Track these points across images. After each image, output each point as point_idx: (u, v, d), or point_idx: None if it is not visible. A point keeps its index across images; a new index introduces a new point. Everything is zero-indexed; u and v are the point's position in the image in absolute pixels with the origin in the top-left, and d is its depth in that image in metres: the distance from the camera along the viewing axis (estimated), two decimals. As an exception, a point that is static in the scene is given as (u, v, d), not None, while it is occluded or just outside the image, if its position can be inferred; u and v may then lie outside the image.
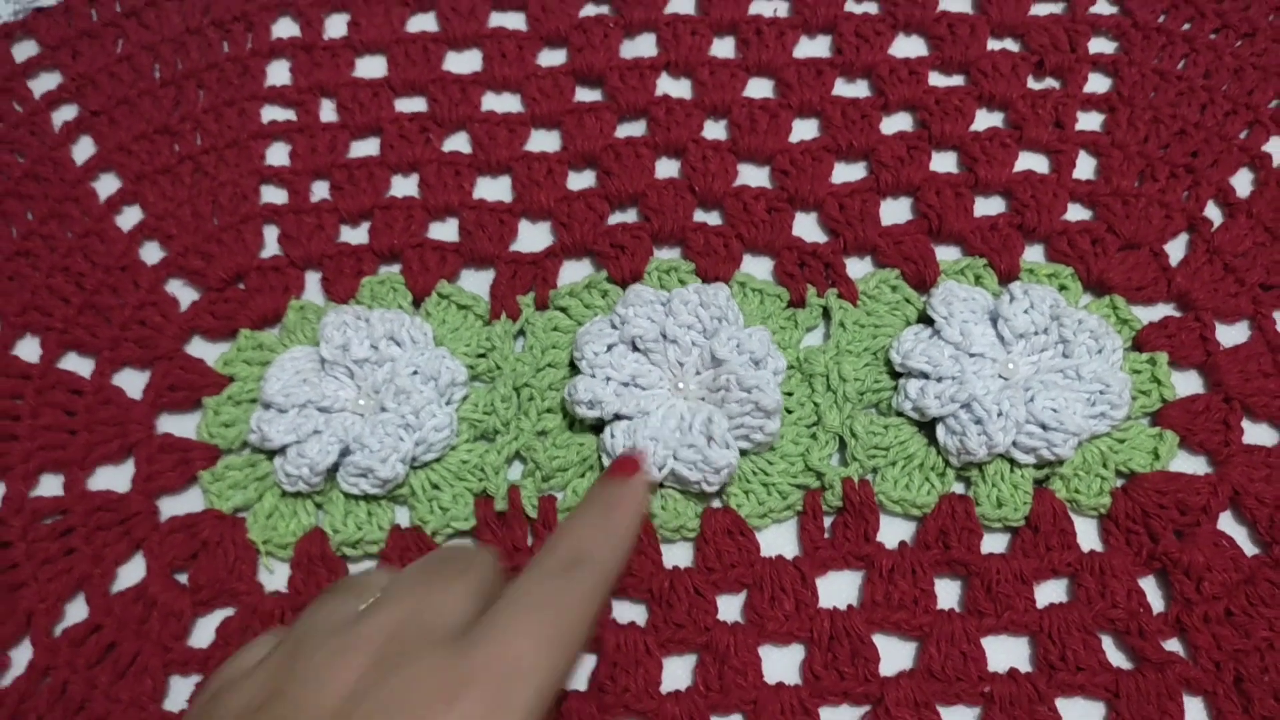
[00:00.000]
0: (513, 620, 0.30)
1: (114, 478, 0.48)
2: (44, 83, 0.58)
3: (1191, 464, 0.46)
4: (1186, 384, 0.48)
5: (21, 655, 0.44)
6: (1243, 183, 0.52)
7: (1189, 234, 0.51)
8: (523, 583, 0.32)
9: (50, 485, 0.47)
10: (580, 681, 0.42)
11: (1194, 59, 0.56)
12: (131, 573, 0.46)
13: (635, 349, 0.47)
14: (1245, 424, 0.46)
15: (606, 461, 0.45)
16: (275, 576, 0.46)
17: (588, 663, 0.43)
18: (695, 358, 0.47)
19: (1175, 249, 0.51)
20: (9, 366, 0.50)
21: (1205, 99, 0.54)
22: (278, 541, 0.46)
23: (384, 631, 0.30)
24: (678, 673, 0.43)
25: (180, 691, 0.43)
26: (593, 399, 0.45)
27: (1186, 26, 0.57)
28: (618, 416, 0.45)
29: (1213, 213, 0.52)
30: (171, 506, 0.47)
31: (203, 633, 0.44)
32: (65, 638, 0.44)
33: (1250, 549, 0.44)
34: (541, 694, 0.29)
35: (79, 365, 0.50)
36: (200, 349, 0.51)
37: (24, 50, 0.59)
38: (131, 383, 0.50)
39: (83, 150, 0.56)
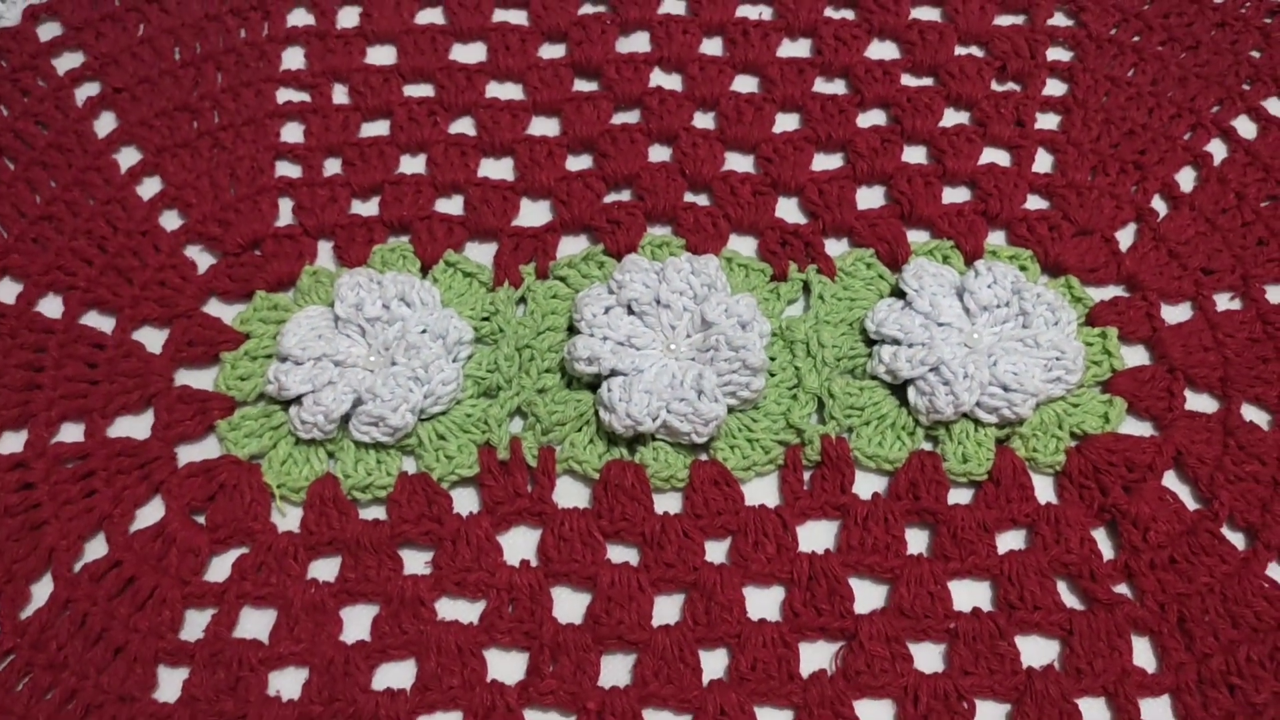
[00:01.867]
0: None
1: (134, 426, 0.50)
2: (67, 61, 0.61)
3: (1139, 428, 0.50)
4: (1134, 356, 0.52)
5: (42, 590, 0.46)
6: (1186, 179, 0.57)
7: (1137, 223, 0.56)
8: None
9: (73, 433, 0.50)
10: (576, 615, 0.45)
11: (1143, 68, 0.60)
12: (151, 514, 0.48)
13: (631, 311, 0.50)
14: (1187, 393, 0.50)
15: (603, 414, 0.48)
16: (288, 519, 0.48)
17: (584, 598, 0.46)
18: (686, 322, 0.50)
19: (1125, 236, 0.55)
20: (33, 321, 0.52)
21: (1152, 103, 0.59)
22: (291, 486, 0.48)
23: None
24: (667, 609, 0.45)
25: (196, 623, 0.45)
26: (591, 355, 0.48)
27: (1136, 39, 0.62)
28: (614, 373, 0.48)
29: (1158, 205, 0.56)
30: (189, 454, 0.49)
31: (219, 569, 0.47)
32: (85, 573, 0.46)
33: (1192, 504, 0.47)
34: None
35: (101, 323, 0.53)
36: (217, 309, 0.53)
37: (49, 31, 0.62)
38: (152, 339, 0.52)
39: (105, 125, 0.59)
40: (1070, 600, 0.45)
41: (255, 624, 0.45)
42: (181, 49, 0.61)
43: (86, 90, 0.60)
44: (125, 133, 0.58)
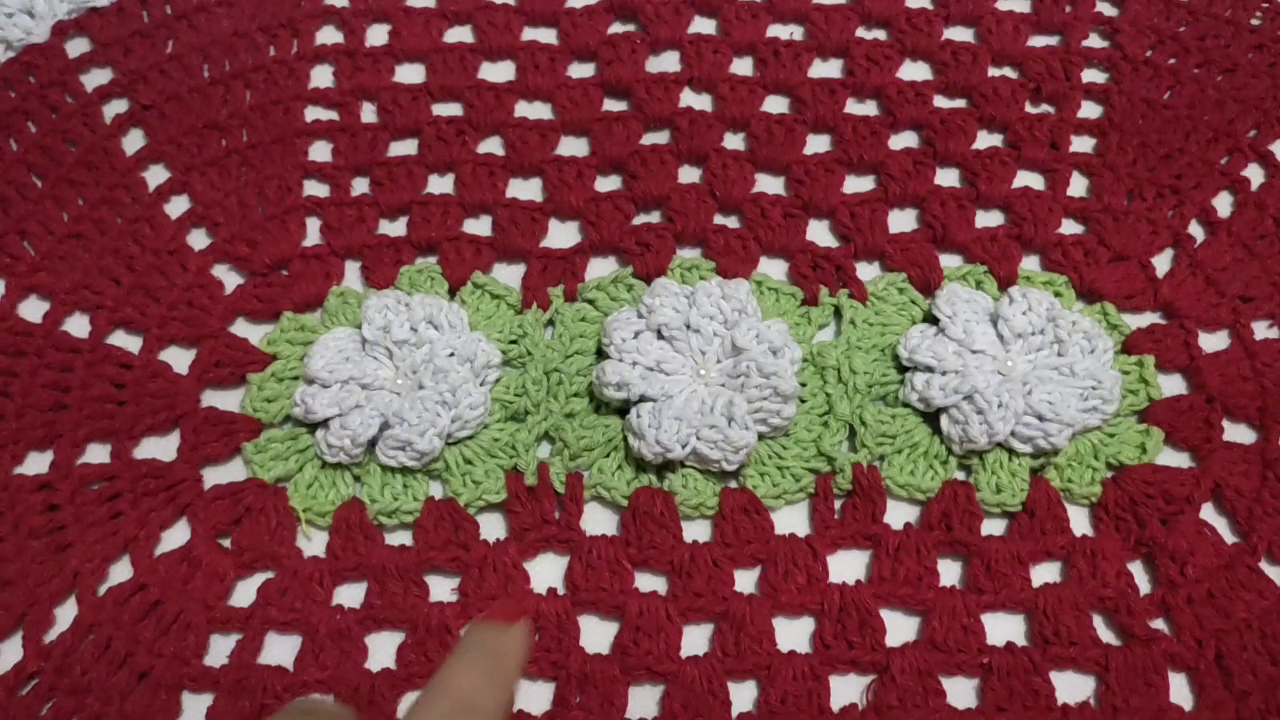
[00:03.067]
0: None
1: (160, 448, 0.50)
2: (95, 78, 0.61)
3: (1176, 458, 0.49)
4: (1171, 385, 0.51)
5: (66, 613, 0.45)
6: (1223, 204, 0.56)
7: (1174, 249, 0.55)
8: None
9: (98, 454, 0.49)
10: (603, 645, 0.45)
11: (1179, 90, 0.59)
12: (176, 537, 0.47)
13: (660, 336, 0.50)
14: (1225, 423, 0.49)
15: (631, 441, 0.48)
16: (313, 544, 0.47)
17: (611, 627, 0.45)
18: (716, 347, 0.49)
19: (1161, 262, 0.54)
20: (59, 341, 0.52)
21: (1189, 127, 0.58)
22: (317, 510, 0.48)
23: None
24: (696, 639, 0.45)
25: (221, 648, 0.45)
26: (620, 381, 0.48)
27: (1172, 61, 0.61)
28: (643, 399, 0.48)
29: (1195, 230, 0.55)
30: (215, 476, 0.49)
31: (244, 593, 0.46)
32: (110, 596, 0.45)
33: (1230, 537, 0.46)
34: None
35: (128, 342, 0.52)
36: (244, 330, 0.53)
37: (77, 47, 0.62)
38: (178, 360, 0.52)
39: (133, 142, 0.59)
40: (1106, 635, 0.44)
41: (280, 650, 0.45)
42: (210, 66, 0.61)
43: (115, 107, 0.60)
44: (153, 150, 0.58)
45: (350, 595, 0.46)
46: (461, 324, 0.51)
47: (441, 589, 0.46)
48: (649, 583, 0.46)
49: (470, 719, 0.31)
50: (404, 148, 0.59)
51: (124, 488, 0.48)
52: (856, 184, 0.58)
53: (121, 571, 0.46)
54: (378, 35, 0.63)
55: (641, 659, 0.43)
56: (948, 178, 0.58)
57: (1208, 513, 0.47)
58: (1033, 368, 0.49)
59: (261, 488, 0.48)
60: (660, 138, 0.59)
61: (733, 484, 0.48)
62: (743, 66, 0.62)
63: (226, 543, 0.47)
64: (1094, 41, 0.62)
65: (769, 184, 0.58)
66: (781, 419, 0.47)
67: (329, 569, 0.46)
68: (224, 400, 0.51)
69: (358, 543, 0.47)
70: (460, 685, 0.32)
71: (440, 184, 0.58)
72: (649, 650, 0.44)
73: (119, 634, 0.44)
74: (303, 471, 0.49)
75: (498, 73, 0.62)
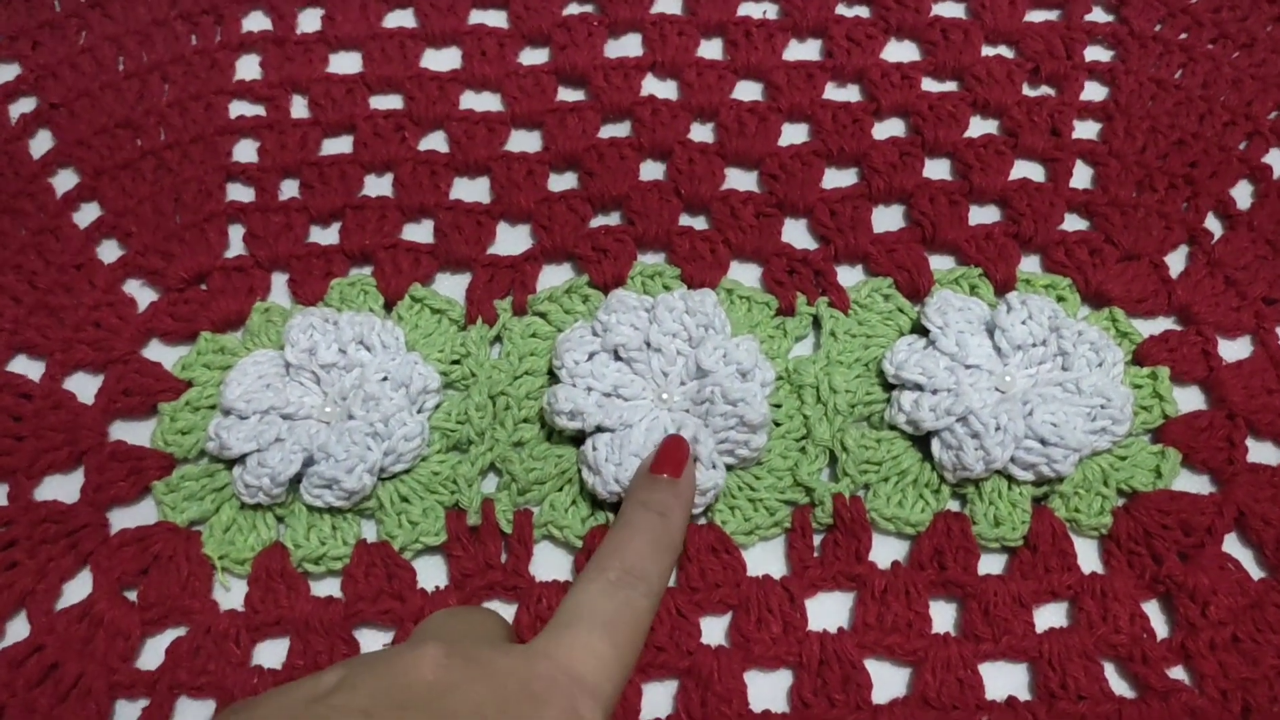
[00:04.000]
0: (580, 635, 0.31)
1: (62, 487, 0.45)
2: (1, 73, 0.56)
3: (1195, 483, 0.45)
4: (1188, 400, 0.47)
5: (-43, 676, 0.41)
6: (1243, 194, 0.52)
7: (1189, 246, 0.50)
8: (584, 598, 0.32)
9: (-7, 495, 0.45)
10: (555, 707, 0.40)
11: (1191, 68, 0.55)
12: (78, 589, 0.43)
13: (618, 358, 0.45)
14: (1250, 442, 0.45)
15: (586, 475, 0.43)
16: (231, 594, 0.43)
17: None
18: (680, 367, 0.45)
19: (1175, 261, 0.50)
20: (-47, 369, 0.47)
21: (1203, 109, 0.53)
22: (235, 556, 0.43)
23: (446, 637, 0.31)
24: (658, 699, 0.41)
25: (126, 715, 0.41)
26: (574, 409, 0.43)
27: (1184, 36, 0.56)
28: (599, 429, 0.43)
29: (1213, 224, 0.51)
30: (122, 519, 0.45)
31: (152, 654, 0.42)
32: (4, 658, 0.41)
33: (1257, 572, 0.43)
34: (607, 709, 0.30)
35: (28, 368, 0.48)
36: (158, 352, 0.49)
37: (-20, 41, 0.57)
38: (84, 387, 0.47)
39: (40, 144, 0.54)
40: (1119, 687, 0.41)
41: (192, 717, 0.41)
42: (126, 59, 0.56)
43: (21, 106, 0.55)
44: (61, 153, 0.53)
45: (271, 654, 0.42)
46: (396, 344, 0.46)
47: (373, 645, 0.42)
48: (605, 635, 0.42)
49: (637, 587, 0.33)
50: (337, 145, 0.54)
51: (20, 534, 0.44)
52: (837, 178, 0.53)
53: (17, 630, 0.42)
54: (310, 21, 0.58)
55: (597, 724, 0.39)
56: (937, 170, 0.53)
57: (1231, 544, 0.44)
58: (1034, 384, 0.45)
59: (173, 532, 0.44)
60: (620, 130, 0.54)
61: (700, 520, 0.44)
62: (711, 50, 0.57)
63: (133, 596, 0.43)
64: (1098, 15, 0.58)
65: (740, 180, 0.53)
66: (750, 450, 0.43)
67: (247, 624, 0.42)
68: (133, 433, 0.46)
69: (280, 594, 0.43)
70: (625, 554, 0.34)
71: (377, 185, 0.53)
72: None
73: (13, 701, 0.40)
74: (219, 513, 0.44)
75: (441, 61, 0.57)
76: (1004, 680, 0.41)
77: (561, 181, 0.53)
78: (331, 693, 0.28)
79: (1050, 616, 0.42)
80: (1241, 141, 0.53)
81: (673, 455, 0.40)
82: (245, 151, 0.54)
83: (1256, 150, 0.52)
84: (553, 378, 0.46)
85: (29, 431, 0.46)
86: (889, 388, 0.46)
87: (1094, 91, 0.55)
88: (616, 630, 0.31)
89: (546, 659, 0.30)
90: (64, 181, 0.53)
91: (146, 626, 0.42)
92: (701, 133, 0.54)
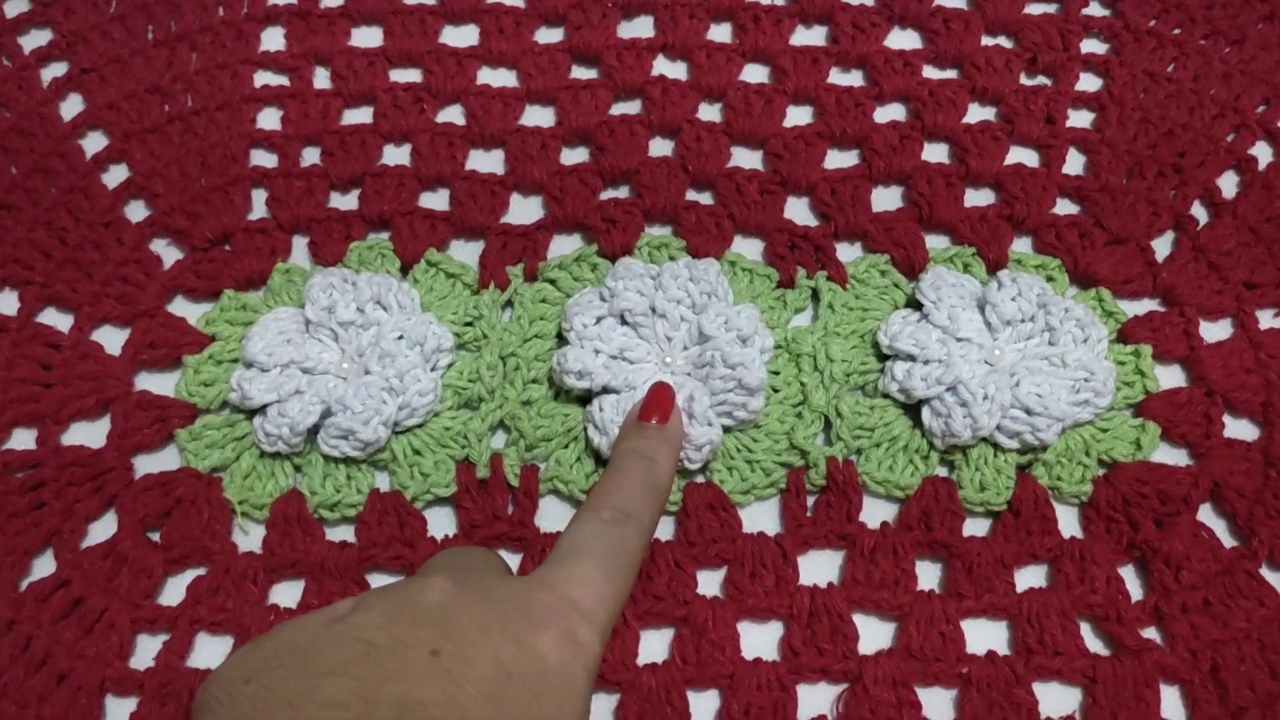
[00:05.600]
0: (576, 567, 0.32)
1: (89, 434, 0.47)
2: (34, 39, 0.58)
3: (1173, 455, 0.46)
4: (1170, 377, 0.48)
5: (-15, 610, 0.43)
6: (1229, 184, 0.53)
7: (1175, 231, 0.52)
8: (580, 535, 0.34)
9: (23, 439, 0.46)
10: (556, 651, 0.42)
11: (1183, 62, 0.56)
12: (103, 530, 0.45)
13: (624, 322, 0.47)
14: (1226, 418, 0.46)
15: (592, 434, 0.45)
16: (250, 537, 0.45)
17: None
18: (683, 333, 0.46)
19: (1161, 246, 0.51)
20: (-15, 319, 0.49)
21: (1194, 102, 0.55)
22: (254, 502, 0.45)
23: (452, 570, 0.32)
24: (655, 645, 0.42)
25: (148, 649, 0.42)
26: (582, 369, 0.45)
27: (1177, 31, 0.58)
28: (606, 389, 0.45)
29: (1199, 212, 0.52)
30: (147, 465, 0.46)
31: (173, 591, 0.44)
32: (31, 592, 0.43)
33: (1229, 541, 0.44)
34: (604, 635, 0.31)
35: (58, 320, 0.49)
36: (183, 308, 0.50)
37: (15, 7, 0.59)
38: (111, 339, 0.49)
39: (71, 107, 0.56)
40: (1094, 645, 0.42)
41: (210, 652, 0.42)
42: (155, 27, 0.58)
43: (53, 70, 0.57)
44: (92, 116, 0.55)
45: (287, 594, 0.44)
46: (412, 305, 0.48)
47: (384, 588, 0.43)
48: (606, 584, 0.43)
49: (629, 525, 0.35)
50: (358, 116, 0.56)
51: (49, 476, 0.45)
52: (838, 159, 0.54)
53: (44, 566, 0.44)
54: (333, -4, 0.60)
55: (596, 666, 0.41)
56: (936, 153, 0.54)
57: (1206, 514, 0.45)
58: (1021, 357, 0.47)
59: (195, 478, 0.45)
60: (631, 108, 0.56)
61: (698, 478, 0.45)
62: (720, 33, 0.59)
63: (156, 536, 0.45)
64: (1094, 9, 0.59)
65: (745, 158, 0.54)
66: (748, 413, 0.44)
67: (264, 566, 0.44)
68: (158, 384, 0.48)
69: (296, 538, 0.44)
70: (617, 495, 0.36)
71: (395, 155, 0.54)
72: (604, 658, 0.40)
73: (39, 633, 0.42)
74: (239, 461, 0.46)
75: (460, 37, 0.58)
76: (985, 636, 0.42)
77: (573, 155, 0.54)
78: (348, 615, 0.30)
79: (1030, 577, 0.44)
80: (1229, 133, 0.54)
81: (659, 401, 0.41)
82: (269, 119, 0.55)
83: (1243, 142, 0.54)
84: (561, 341, 0.48)
85: (57, 380, 0.47)
86: (883, 358, 0.47)
87: (1088, 82, 0.56)
88: (611, 563, 0.33)
89: (546, 588, 0.31)
90: (93, 143, 0.54)
91: (168, 566, 0.44)
92: (709, 112, 0.56)
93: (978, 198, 0.53)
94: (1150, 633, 0.42)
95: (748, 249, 0.51)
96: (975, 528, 0.45)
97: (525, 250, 0.51)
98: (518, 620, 0.30)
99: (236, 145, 0.54)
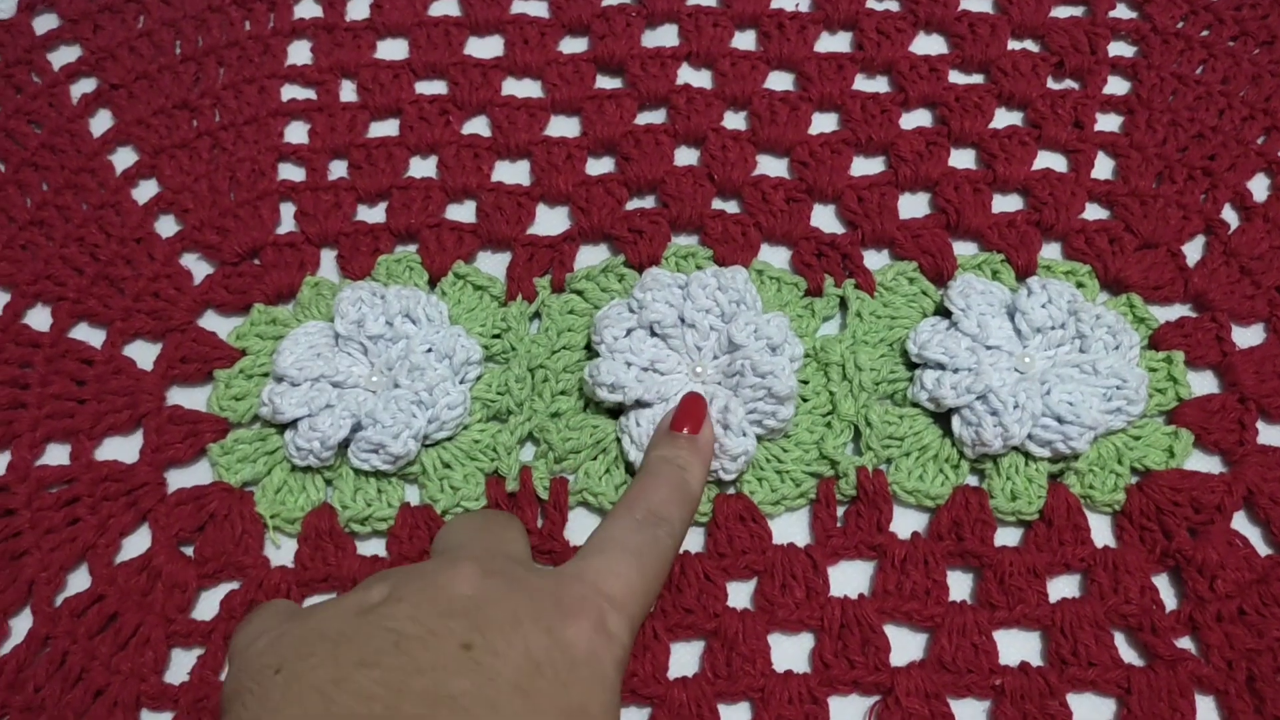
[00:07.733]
0: (609, 561, 0.33)
1: (122, 448, 0.47)
2: (63, 56, 0.59)
3: (1206, 463, 0.46)
4: (1202, 384, 0.48)
5: (21, 624, 0.43)
6: (1259, 187, 0.52)
7: (1206, 235, 0.51)
8: (613, 531, 0.35)
9: (57, 454, 0.47)
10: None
11: (1212, 64, 0.56)
12: (137, 544, 0.45)
13: (653, 334, 0.47)
14: (1260, 425, 0.46)
15: (628, 448, 0.45)
16: (282, 551, 0.45)
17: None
18: (713, 342, 0.46)
19: (1192, 250, 0.51)
20: (19, 335, 0.49)
21: (1223, 104, 0.54)
22: (286, 516, 0.45)
23: (478, 553, 0.32)
24: (685, 659, 0.42)
25: (182, 664, 0.42)
26: (615, 382, 0.45)
27: (1205, 33, 0.57)
28: (639, 403, 0.45)
29: (1229, 215, 0.52)
30: (179, 479, 0.47)
31: (207, 605, 0.44)
32: (66, 607, 0.43)
33: (1264, 549, 0.44)
34: (633, 629, 0.31)
35: (91, 336, 0.50)
36: (213, 323, 0.50)
37: (45, 24, 0.59)
38: (143, 354, 0.49)
39: (101, 123, 0.56)
40: (1129, 655, 0.42)
41: (245, 666, 0.42)
42: (182, 43, 0.58)
43: (83, 87, 0.57)
44: (121, 132, 0.55)
45: (319, 608, 0.43)
46: (441, 317, 0.48)
47: (416, 601, 0.43)
48: (637, 596, 0.43)
49: (661, 527, 0.35)
50: (384, 129, 0.56)
51: (83, 491, 0.46)
52: (865, 166, 0.54)
53: (79, 581, 0.44)
54: (359, 9, 0.60)
55: (626, 681, 0.41)
56: (963, 159, 0.54)
57: (1240, 522, 0.44)
58: (1052, 365, 0.46)
59: (227, 492, 0.46)
60: (656, 117, 0.56)
61: (728, 489, 0.45)
62: (745, 40, 0.59)
63: (189, 551, 0.45)
64: (1121, 12, 0.59)
65: (771, 166, 0.54)
66: (778, 421, 0.44)
67: (297, 580, 0.44)
68: (190, 398, 0.48)
69: (328, 552, 0.44)
70: (649, 499, 0.36)
71: (422, 167, 0.55)
72: (634, 672, 0.41)
73: (75, 648, 0.42)
74: (271, 475, 0.46)
75: (485, 48, 0.59)
76: (1017, 647, 0.42)
77: (599, 166, 0.54)
78: (379, 605, 0.30)
79: (1063, 588, 0.43)
80: (1260, 136, 0.54)
81: (691, 412, 0.42)
82: (296, 133, 0.56)
83: (1274, 144, 0.53)
84: (589, 352, 0.48)
85: (91, 395, 0.48)
86: (912, 366, 0.47)
87: (1116, 85, 0.56)
88: (643, 559, 0.33)
89: (577, 579, 0.32)
90: (123, 159, 0.55)
91: (202, 580, 0.44)
92: (734, 120, 0.56)
93: (1006, 203, 0.53)
94: (1185, 643, 0.42)
95: (775, 258, 0.51)
96: (1007, 537, 0.44)
97: (552, 261, 0.51)
98: (550, 610, 0.30)
99: (264, 159, 0.54)
